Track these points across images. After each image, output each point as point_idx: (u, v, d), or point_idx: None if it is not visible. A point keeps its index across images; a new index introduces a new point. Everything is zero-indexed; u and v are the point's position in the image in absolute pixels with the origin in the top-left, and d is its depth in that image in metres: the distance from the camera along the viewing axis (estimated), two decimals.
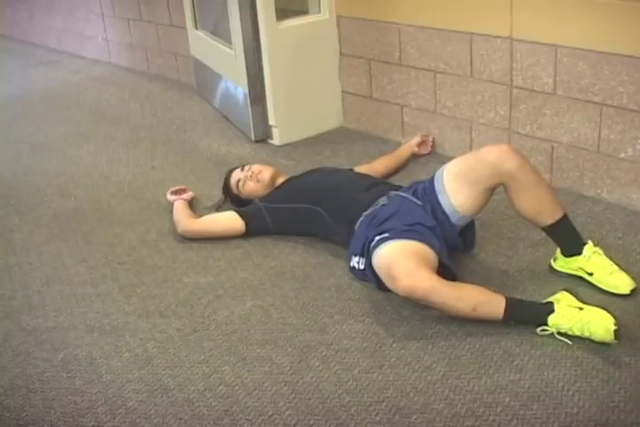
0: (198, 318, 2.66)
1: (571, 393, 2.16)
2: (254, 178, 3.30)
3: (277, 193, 3.21)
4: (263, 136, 4.23)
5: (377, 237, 2.60)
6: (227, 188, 3.43)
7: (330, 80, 4.27)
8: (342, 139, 4.22)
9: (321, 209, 2.97)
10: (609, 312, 2.32)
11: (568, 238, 2.68)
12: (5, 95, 5.77)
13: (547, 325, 2.37)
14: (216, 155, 4.15)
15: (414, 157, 3.80)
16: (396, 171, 3.66)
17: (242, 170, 3.36)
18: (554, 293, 2.49)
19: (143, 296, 2.83)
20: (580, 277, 2.66)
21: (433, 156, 3.83)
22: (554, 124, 3.32)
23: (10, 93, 5.80)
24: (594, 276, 2.62)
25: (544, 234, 2.72)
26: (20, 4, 7.39)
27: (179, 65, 5.52)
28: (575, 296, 2.44)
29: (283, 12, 4.02)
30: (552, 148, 3.37)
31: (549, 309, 2.38)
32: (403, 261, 2.43)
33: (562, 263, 2.72)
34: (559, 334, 2.36)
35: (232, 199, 3.40)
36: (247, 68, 4.05)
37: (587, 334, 2.31)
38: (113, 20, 6.13)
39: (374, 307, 2.65)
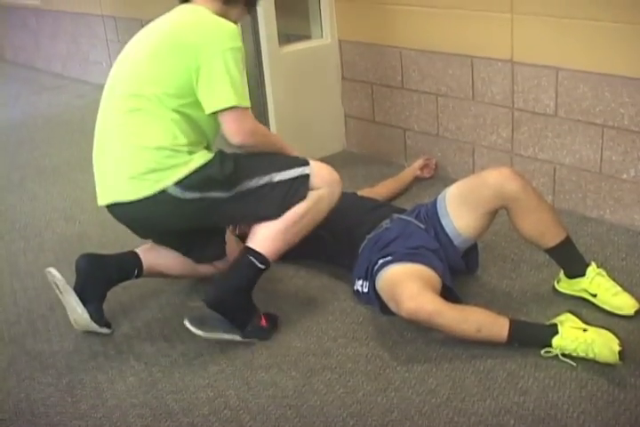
0: (202, 342, 2.65)
1: (576, 415, 2.15)
2: None
3: None
4: None
5: (380, 261, 2.61)
6: None
7: (332, 104, 4.29)
8: (345, 162, 4.22)
9: (324, 232, 2.97)
10: (613, 333, 2.32)
11: (571, 260, 2.69)
12: (10, 120, 5.81)
13: (551, 346, 2.36)
14: None
15: (417, 179, 3.81)
16: (399, 194, 3.67)
17: None
18: (558, 314, 2.49)
19: (147, 320, 2.84)
20: (584, 299, 2.66)
21: (436, 178, 3.84)
22: (556, 146, 3.33)
23: (15, 118, 5.84)
24: (597, 297, 2.62)
25: (547, 256, 2.73)
26: (25, 30, 7.45)
27: None
28: (579, 318, 2.44)
29: (285, 37, 4.06)
30: (554, 169, 3.38)
31: (553, 330, 2.37)
32: (406, 283, 2.43)
33: (565, 285, 2.72)
34: (563, 355, 2.35)
35: None
36: (250, 92, 4.07)
37: (591, 356, 2.31)
38: (117, 46, 6.16)
39: (378, 330, 2.65)
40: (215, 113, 2.51)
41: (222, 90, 2.47)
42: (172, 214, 2.56)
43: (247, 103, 2.55)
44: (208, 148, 2.66)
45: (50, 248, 3.51)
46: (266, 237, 2.57)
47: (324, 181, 2.62)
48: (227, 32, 2.53)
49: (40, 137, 5.28)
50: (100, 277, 2.71)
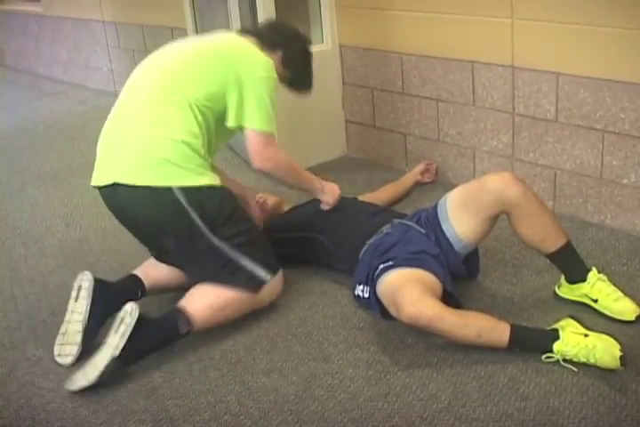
0: (203, 348, 2.65)
1: (577, 421, 2.15)
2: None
3: (281, 222, 3.22)
4: None
5: (381, 266, 2.61)
6: None
7: (333, 109, 4.30)
8: (346, 168, 4.23)
9: (324, 237, 2.98)
10: (614, 339, 2.32)
11: (572, 265, 2.68)
12: (11, 126, 5.81)
13: (552, 352, 2.36)
14: None
15: (418, 184, 3.82)
16: (400, 199, 3.67)
17: None
18: (559, 319, 2.49)
19: None
20: (585, 304, 2.66)
21: (436, 184, 3.85)
22: (556, 152, 3.33)
23: (16, 124, 5.84)
24: (598, 302, 2.62)
25: (548, 261, 2.72)
26: (26, 36, 7.46)
27: None
28: (580, 323, 2.43)
29: None
30: (555, 175, 3.38)
31: (554, 335, 2.37)
32: (407, 288, 2.43)
33: (566, 290, 2.72)
34: (564, 360, 2.35)
35: None
36: None
37: (592, 361, 2.30)
38: (118, 51, 6.19)
39: (379, 335, 2.65)
40: (234, 129, 2.73)
41: (250, 111, 2.69)
42: (160, 212, 2.59)
43: (273, 130, 2.76)
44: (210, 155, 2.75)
45: (50, 254, 3.51)
46: (200, 304, 2.62)
47: (270, 290, 2.76)
48: (264, 62, 2.76)
49: (41, 143, 5.28)
50: (102, 304, 2.68)
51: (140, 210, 2.62)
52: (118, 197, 2.64)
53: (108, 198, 2.69)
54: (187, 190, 2.54)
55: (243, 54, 2.75)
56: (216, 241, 2.61)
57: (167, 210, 2.57)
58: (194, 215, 2.56)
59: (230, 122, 2.71)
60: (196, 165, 2.59)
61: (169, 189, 2.53)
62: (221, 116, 2.71)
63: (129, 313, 2.49)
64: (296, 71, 2.98)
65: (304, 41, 3.04)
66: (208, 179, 2.60)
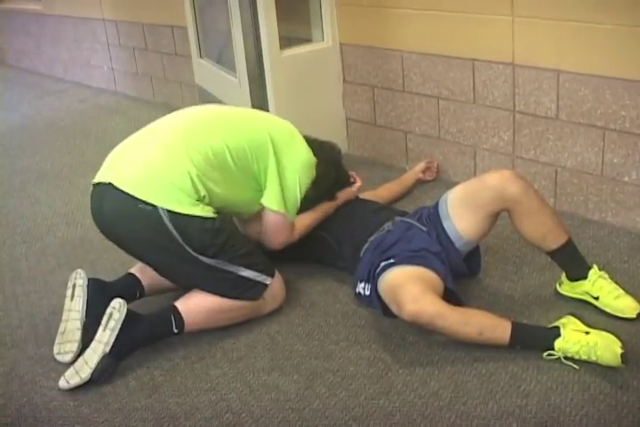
0: (204, 346, 2.66)
1: (578, 418, 2.15)
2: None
3: None
4: None
5: (382, 263, 2.61)
6: None
7: (334, 107, 4.29)
8: (347, 166, 4.17)
9: (326, 235, 2.98)
10: (615, 336, 2.32)
11: (573, 263, 2.68)
12: (12, 124, 5.81)
13: (553, 349, 2.36)
14: None
15: (419, 182, 3.81)
16: (401, 197, 3.67)
17: None
18: (560, 317, 2.49)
19: None
20: (586, 302, 2.66)
21: (437, 181, 3.84)
22: (557, 149, 3.33)
23: (16, 123, 5.84)
24: (599, 300, 2.62)
25: (549, 258, 2.72)
26: (27, 35, 7.46)
27: (184, 93, 5.56)
28: (581, 320, 2.44)
29: (286, 41, 4.06)
30: (556, 172, 3.38)
31: (556, 333, 2.38)
32: (408, 286, 2.43)
33: (567, 288, 2.72)
34: (566, 358, 2.35)
35: None
36: (251, 96, 4.07)
37: (594, 359, 2.31)
38: (118, 50, 6.18)
39: (380, 333, 2.65)
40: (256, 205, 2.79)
41: (281, 197, 2.76)
42: (141, 227, 2.55)
43: (295, 218, 2.85)
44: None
45: (51, 253, 3.51)
46: (197, 306, 2.64)
47: (273, 296, 2.78)
48: (310, 160, 2.85)
49: (42, 141, 5.28)
50: (99, 301, 2.65)
51: (122, 221, 2.58)
52: (104, 198, 2.61)
53: (98, 198, 2.65)
54: (171, 214, 2.48)
55: (292, 144, 2.81)
56: (207, 260, 2.57)
57: (148, 224, 2.52)
58: (179, 240, 2.51)
59: (264, 200, 2.76)
60: (192, 197, 2.52)
61: (154, 208, 2.48)
62: (242, 182, 2.71)
63: (117, 309, 2.50)
64: (319, 193, 2.96)
65: (345, 177, 3.17)
66: (199, 210, 2.53)
